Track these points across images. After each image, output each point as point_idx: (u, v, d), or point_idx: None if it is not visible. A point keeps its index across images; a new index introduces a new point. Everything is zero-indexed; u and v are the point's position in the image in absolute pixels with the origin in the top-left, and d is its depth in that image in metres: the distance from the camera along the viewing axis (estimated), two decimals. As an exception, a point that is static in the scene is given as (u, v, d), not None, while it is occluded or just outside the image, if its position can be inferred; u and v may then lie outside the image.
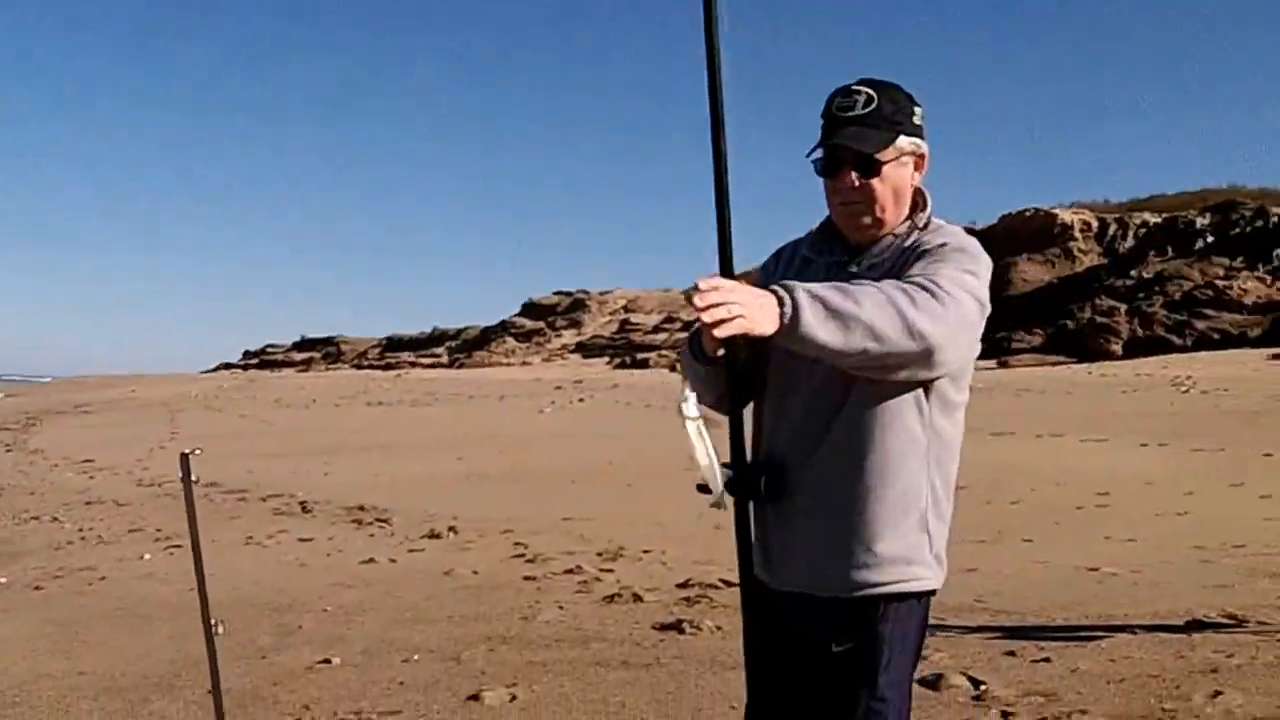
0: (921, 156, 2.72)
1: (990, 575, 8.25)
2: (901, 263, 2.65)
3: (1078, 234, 56.65)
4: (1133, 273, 51.16)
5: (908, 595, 2.70)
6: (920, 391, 2.64)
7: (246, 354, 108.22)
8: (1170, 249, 52.50)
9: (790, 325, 2.29)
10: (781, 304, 2.30)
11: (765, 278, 2.93)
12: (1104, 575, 8.14)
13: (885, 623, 2.67)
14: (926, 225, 2.75)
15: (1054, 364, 43.89)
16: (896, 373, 2.48)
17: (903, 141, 2.65)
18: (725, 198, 2.61)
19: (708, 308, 2.28)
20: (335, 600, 8.08)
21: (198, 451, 4.26)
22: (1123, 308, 47.48)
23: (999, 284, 51.67)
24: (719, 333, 2.31)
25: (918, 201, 2.78)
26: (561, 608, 7.58)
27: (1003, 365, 44.18)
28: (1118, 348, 44.69)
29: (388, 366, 79.50)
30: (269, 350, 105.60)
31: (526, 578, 8.60)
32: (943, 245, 2.61)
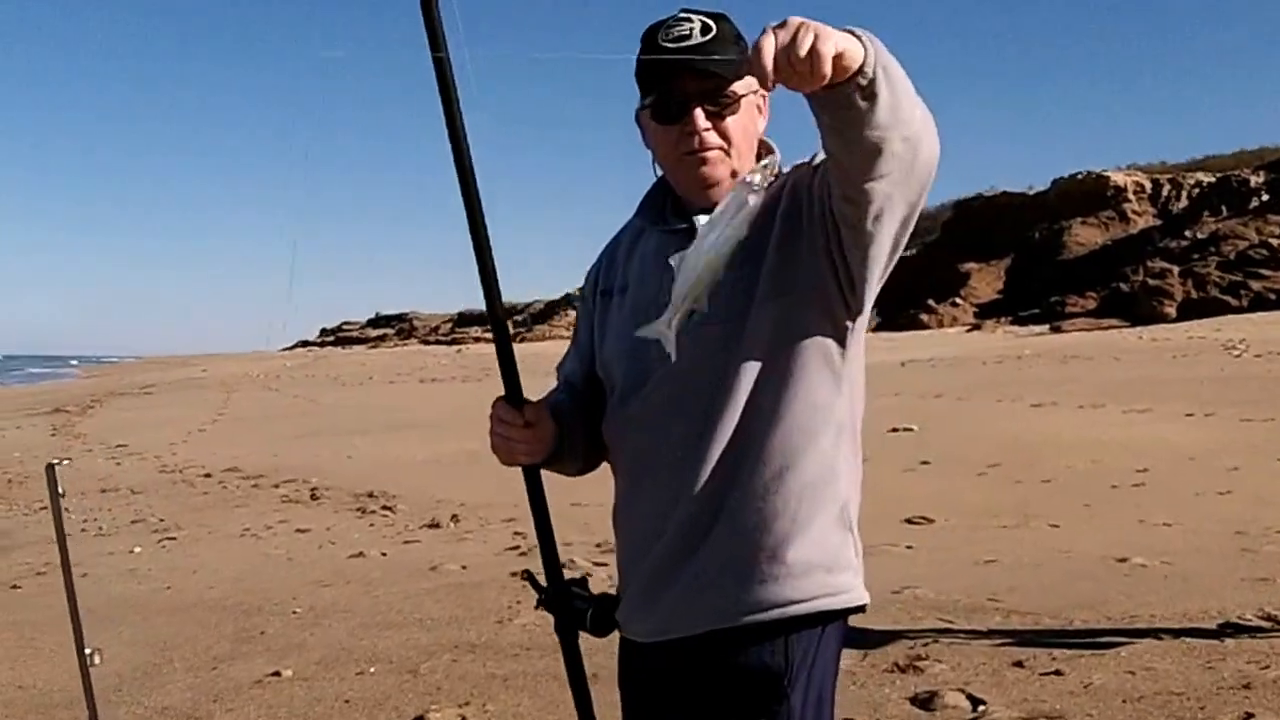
0: (764, 97, 2.20)
1: (1009, 567, 7.66)
2: (771, 203, 2.11)
3: (1131, 196, 55.45)
4: (1186, 233, 49.99)
5: (830, 615, 2.14)
6: (832, 341, 2.11)
7: (324, 331, 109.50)
8: (1224, 208, 51.23)
9: (872, 46, 1.74)
10: (848, 29, 1.74)
11: (583, 309, 2.48)
12: (1132, 567, 7.51)
13: (796, 683, 2.09)
14: (779, 176, 2.21)
15: (1107, 328, 42.89)
16: (924, 175, 1.93)
17: (749, 78, 2.11)
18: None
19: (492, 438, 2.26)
20: (308, 601, 7.63)
21: (65, 462, 3.79)
22: (1176, 269, 46.34)
23: (1052, 248, 51.39)
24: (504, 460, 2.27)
25: (761, 153, 2.25)
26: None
27: (1055, 330, 43.35)
28: (1171, 310, 43.64)
29: (453, 342, 79.68)
30: (345, 327, 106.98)
31: (514, 574, 8.08)
32: None
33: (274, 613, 7.38)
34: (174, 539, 10.13)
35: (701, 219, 2.13)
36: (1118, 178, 56.29)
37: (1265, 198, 50.64)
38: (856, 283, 2.07)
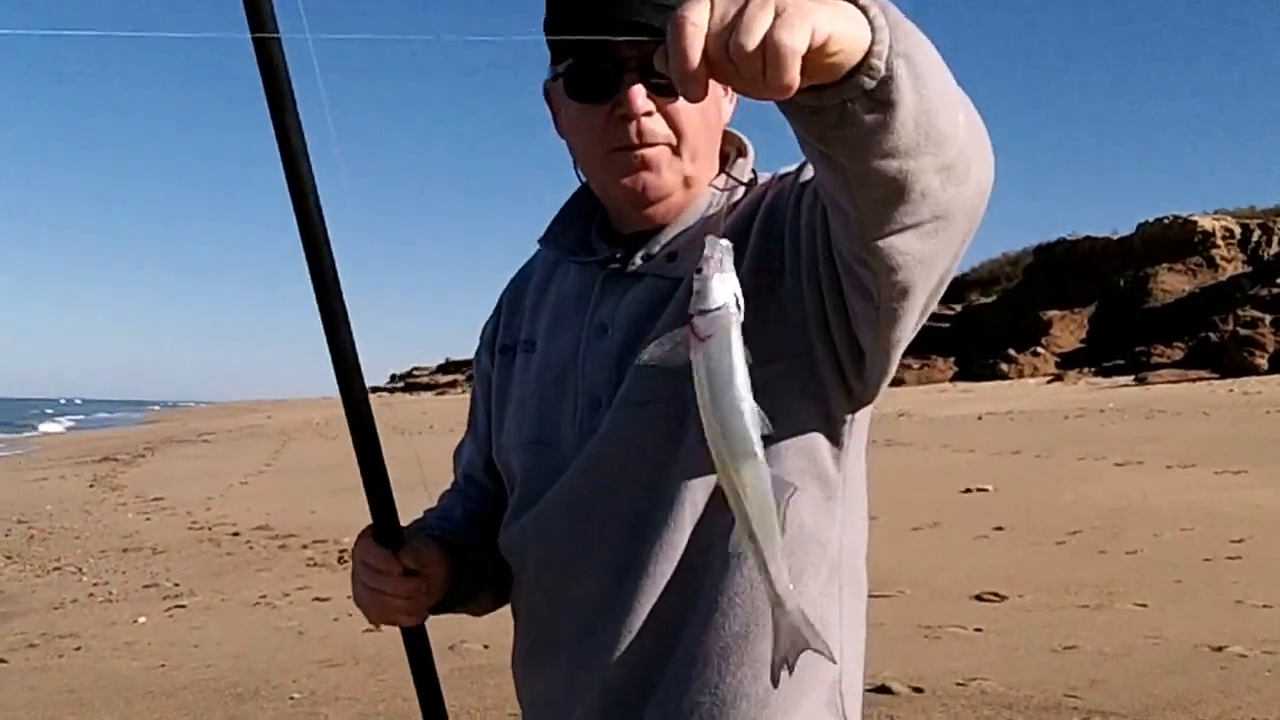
0: None
1: (1090, 656, 6.80)
2: (738, 234, 1.38)
3: (1220, 241, 53.70)
4: (1278, 280, 48.27)
5: None
6: (823, 441, 1.42)
7: (393, 377, 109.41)
8: (1320, 255, 49.44)
9: (885, 19, 1.00)
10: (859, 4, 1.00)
11: (479, 374, 1.86)
12: (1229, 657, 6.60)
13: None
14: (753, 182, 1.51)
15: (1195, 379, 41.36)
16: (975, 214, 1.19)
17: None
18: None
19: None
20: (309, 684, 6.96)
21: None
22: (1267, 318, 44.64)
23: (1137, 295, 50.01)
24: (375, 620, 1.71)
25: (728, 151, 1.54)
26: (559, 699, 6.34)
27: (1140, 381, 41.92)
28: (1263, 361, 41.92)
29: (519, 388, 79.60)
30: (414, 373, 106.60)
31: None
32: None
33: (270, 697, 6.73)
34: (183, 607, 9.52)
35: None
36: (1205, 222, 54.58)
37: (1362, 244, 48.98)
38: (868, 366, 1.36)
